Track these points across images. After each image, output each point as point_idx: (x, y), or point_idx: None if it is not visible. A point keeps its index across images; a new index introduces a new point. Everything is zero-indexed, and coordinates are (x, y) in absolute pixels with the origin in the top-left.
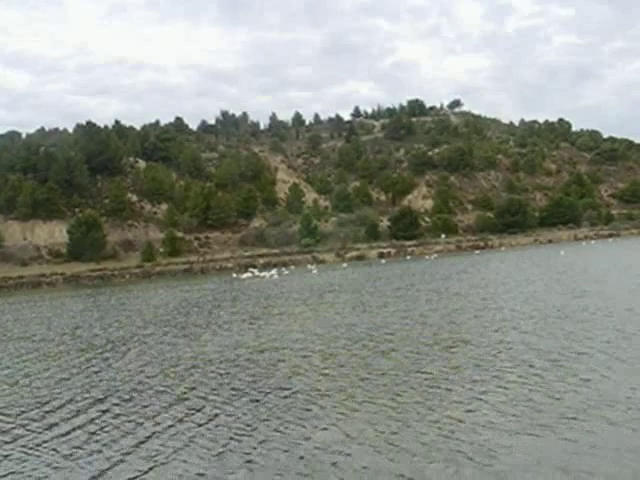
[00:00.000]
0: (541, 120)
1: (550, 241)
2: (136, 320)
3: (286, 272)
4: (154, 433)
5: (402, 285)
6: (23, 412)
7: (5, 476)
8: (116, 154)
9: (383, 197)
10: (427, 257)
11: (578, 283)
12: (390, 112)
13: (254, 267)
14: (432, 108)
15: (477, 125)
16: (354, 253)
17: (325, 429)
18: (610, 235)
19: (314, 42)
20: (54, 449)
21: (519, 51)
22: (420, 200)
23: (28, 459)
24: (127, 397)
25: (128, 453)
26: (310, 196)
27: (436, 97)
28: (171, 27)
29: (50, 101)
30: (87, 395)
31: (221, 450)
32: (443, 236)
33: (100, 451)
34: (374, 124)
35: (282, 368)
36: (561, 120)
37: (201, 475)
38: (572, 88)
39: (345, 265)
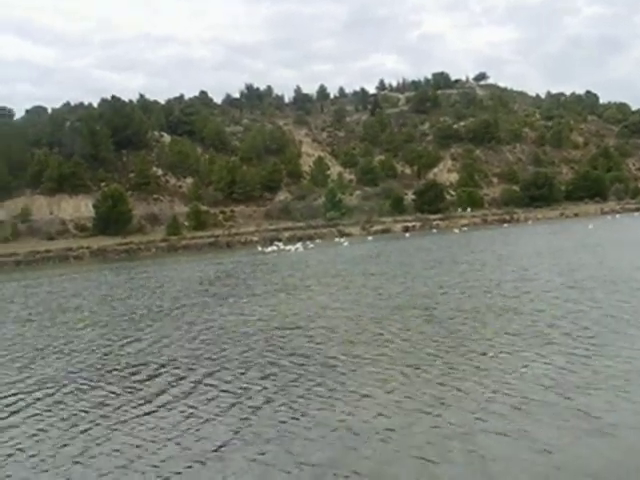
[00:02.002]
0: (568, 92)
1: (576, 215)
2: (171, 292)
3: (311, 245)
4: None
5: (435, 257)
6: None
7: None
8: (141, 128)
9: (408, 170)
10: (455, 230)
11: (613, 255)
12: (415, 85)
13: (279, 240)
14: (457, 81)
15: (503, 98)
16: (379, 227)
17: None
18: (637, 209)
19: (338, 14)
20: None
21: (545, 23)
22: (445, 173)
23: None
24: (186, 364)
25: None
26: (335, 169)
27: (461, 70)
28: (195, 1)
29: (75, 76)
30: (150, 361)
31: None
32: (469, 210)
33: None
34: (399, 97)
35: (337, 335)
36: (588, 92)
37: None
38: (600, 60)
39: (370, 238)
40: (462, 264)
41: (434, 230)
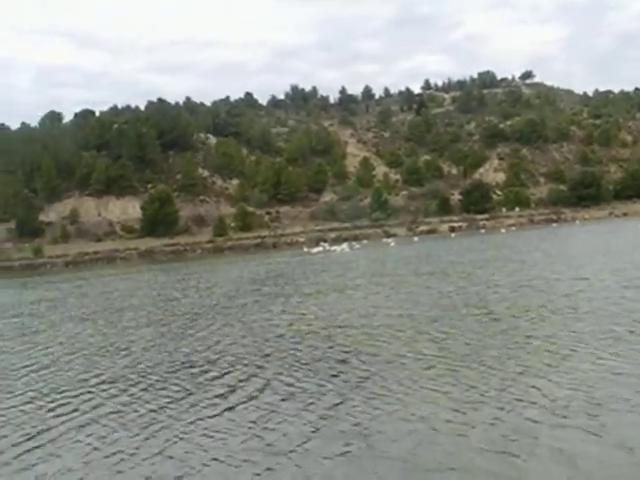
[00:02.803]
0: (616, 90)
1: (625, 214)
2: (223, 291)
3: (357, 246)
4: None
5: (484, 257)
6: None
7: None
8: (187, 130)
9: (454, 170)
10: (502, 230)
11: None
12: (461, 84)
13: (325, 241)
14: (503, 80)
15: (549, 96)
16: (425, 227)
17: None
18: None
19: (383, 14)
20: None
21: (593, 19)
22: (492, 173)
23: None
24: (253, 362)
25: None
26: (380, 170)
27: (507, 69)
28: (239, 3)
29: (122, 80)
30: (216, 359)
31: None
32: (517, 209)
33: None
34: (444, 97)
35: (397, 333)
36: (637, 89)
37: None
38: None
39: (416, 239)
40: (512, 263)
41: (482, 230)
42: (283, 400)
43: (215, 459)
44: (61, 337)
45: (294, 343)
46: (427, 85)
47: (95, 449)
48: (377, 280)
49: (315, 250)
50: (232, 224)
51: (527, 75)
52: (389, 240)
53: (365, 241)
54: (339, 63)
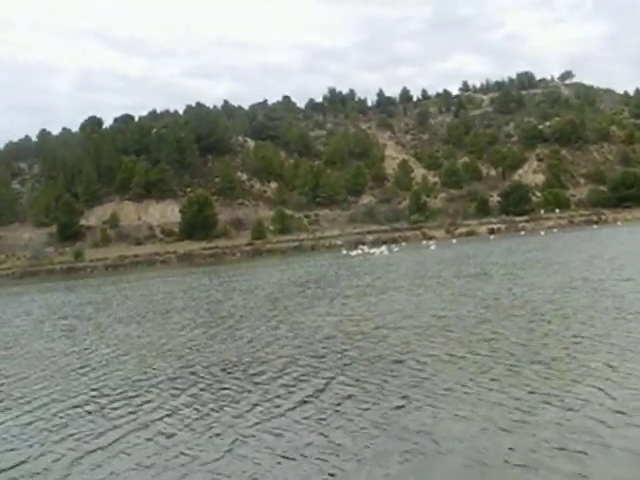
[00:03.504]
0: None
1: None
2: (265, 293)
3: (396, 249)
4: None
5: (526, 258)
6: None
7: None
8: (225, 134)
9: (493, 172)
10: (542, 232)
11: None
12: (499, 85)
13: (363, 244)
14: (542, 80)
15: (589, 96)
16: (464, 229)
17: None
18: None
19: (421, 15)
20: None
21: (633, 16)
22: (531, 174)
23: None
24: (305, 361)
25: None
26: (419, 172)
27: (546, 69)
28: (275, 5)
29: (160, 84)
30: (268, 359)
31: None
32: (557, 211)
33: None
34: (483, 98)
35: (448, 334)
36: None
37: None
38: None
39: (454, 241)
40: (555, 265)
41: (521, 232)
42: (344, 399)
43: (285, 457)
44: (112, 339)
45: (345, 344)
46: (465, 87)
47: (161, 448)
48: (420, 282)
49: (354, 253)
50: (270, 227)
51: (566, 75)
52: (430, 242)
53: (404, 243)
54: (377, 65)
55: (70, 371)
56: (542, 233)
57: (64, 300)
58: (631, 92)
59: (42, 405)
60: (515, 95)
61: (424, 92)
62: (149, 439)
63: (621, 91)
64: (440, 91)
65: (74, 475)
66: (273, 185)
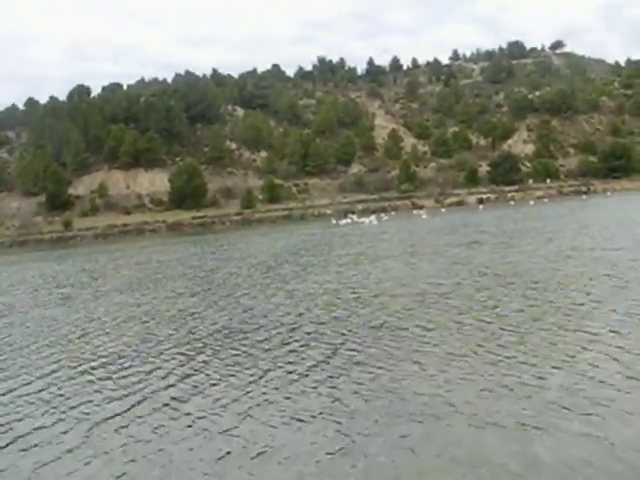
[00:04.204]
0: None
1: None
2: (257, 262)
3: (385, 218)
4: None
5: (518, 228)
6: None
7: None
8: (214, 103)
9: (483, 142)
10: (531, 202)
11: None
12: (489, 55)
13: (353, 213)
14: (533, 50)
15: (580, 66)
16: (453, 199)
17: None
18: None
19: None
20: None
21: None
22: (520, 144)
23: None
24: (310, 328)
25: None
26: (408, 141)
27: (537, 39)
28: None
29: (149, 53)
30: (273, 326)
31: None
32: (548, 181)
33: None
34: (473, 67)
35: (447, 302)
36: None
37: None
38: None
39: (443, 210)
40: (546, 234)
41: (511, 202)
42: (353, 365)
43: (301, 421)
44: (111, 306)
45: (347, 311)
46: (455, 56)
47: (178, 414)
48: (413, 250)
49: (343, 222)
50: (260, 196)
51: (557, 45)
52: (421, 212)
53: (393, 213)
54: (367, 34)
55: (74, 339)
56: (531, 203)
57: (57, 269)
58: (622, 62)
59: (51, 372)
60: (505, 65)
61: (414, 61)
62: (165, 404)
63: (612, 61)
64: (430, 60)
65: (94, 440)
66: (262, 154)
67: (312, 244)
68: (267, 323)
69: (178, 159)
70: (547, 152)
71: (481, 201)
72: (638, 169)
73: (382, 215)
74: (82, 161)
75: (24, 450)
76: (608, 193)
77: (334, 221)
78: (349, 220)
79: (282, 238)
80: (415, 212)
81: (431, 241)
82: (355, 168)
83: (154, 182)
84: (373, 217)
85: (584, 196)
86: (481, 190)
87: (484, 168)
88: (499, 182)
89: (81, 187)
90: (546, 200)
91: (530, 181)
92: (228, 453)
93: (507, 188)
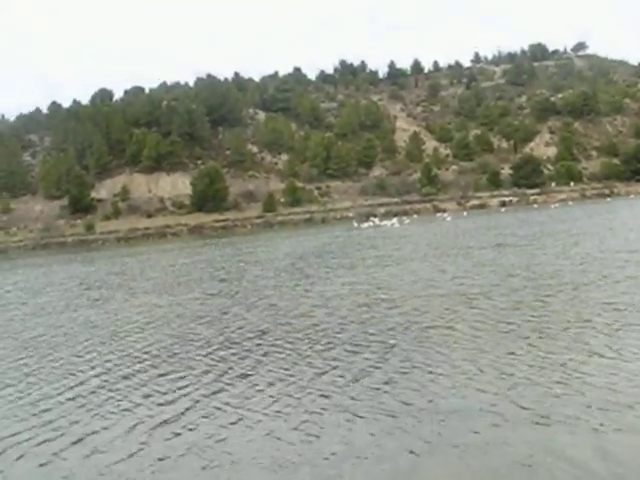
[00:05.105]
0: None
1: None
2: (284, 264)
3: (407, 221)
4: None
5: (543, 230)
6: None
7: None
8: (236, 106)
9: (505, 144)
10: (552, 206)
11: None
12: (511, 57)
13: (374, 216)
14: (555, 52)
15: (602, 68)
16: (475, 202)
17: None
18: None
19: None
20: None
21: None
22: (543, 147)
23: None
24: (336, 327)
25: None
26: (430, 144)
27: (559, 40)
28: None
29: (170, 55)
30: (299, 327)
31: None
32: (572, 184)
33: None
34: (495, 70)
35: (484, 303)
36: None
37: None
38: None
39: (465, 214)
40: (572, 237)
41: (534, 205)
42: (411, 366)
43: (353, 415)
44: (144, 307)
45: (380, 312)
46: (477, 58)
47: (238, 415)
48: (439, 252)
49: (365, 225)
50: (281, 199)
51: (579, 47)
52: (444, 214)
53: (415, 216)
54: (388, 36)
55: (112, 340)
56: (553, 206)
57: (84, 271)
58: None
59: (95, 375)
60: (527, 67)
61: (435, 64)
62: (218, 407)
63: (635, 63)
64: (452, 63)
65: (153, 445)
66: (284, 157)
67: (336, 246)
68: (301, 324)
69: (200, 162)
70: (569, 155)
71: (503, 204)
72: None
73: (404, 218)
74: (104, 165)
75: (87, 456)
76: (631, 196)
77: (356, 224)
78: (371, 223)
79: (305, 241)
80: (438, 215)
81: (456, 243)
82: (377, 171)
83: (176, 185)
84: (395, 220)
85: (608, 199)
86: (503, 193)
87: (506, 171)
88: (521, 185)
89: (103, 190)
90: (571, 203)
91: (552, 184)
92: (299, 455)
93: (529, 191)
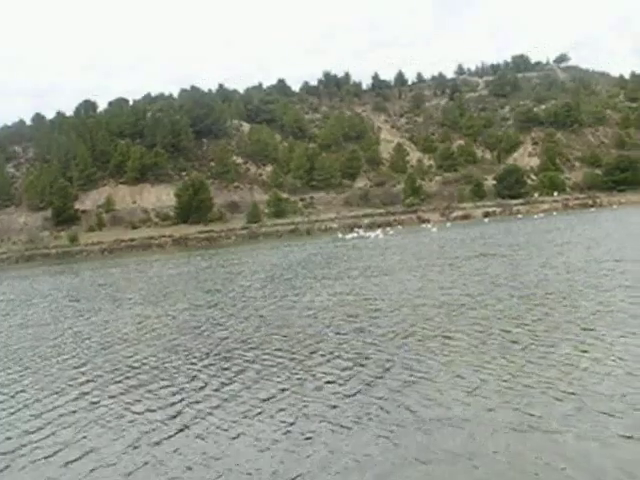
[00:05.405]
0: None
1: None
2: (269, 275)
3: (391, 232)
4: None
5: (528, 240)
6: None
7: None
8: (220, 117)
9: (488, 155)
10: (535, 216)
11: None
12: (494, 69)
13: (359, 227)
14: (538, 63)
15: (585, 79)
16: (459, 212)
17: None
18: None
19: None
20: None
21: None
22: (526, 158)
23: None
24: (336, 337)
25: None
26: (414, 155)
27: (542, 52)
28: None
29: (154, 67)
30: (296, 337)
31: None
32: (555, 194)
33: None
34: (478, 81)
35: (472, 313)
36: None
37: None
38: None
39: (449, 225)
40: (558, 246)
41: (518, 215)
42: (385, 371)
43: (345, 427)
44: (132, 318)
45: (369, 322)
46: (460, 70)
47: (227, 426)
48: (425, 263)
49: (350, 236)
50: (266, 210)
51: (562, 59)
52: (429, 225)
53: (399, 227)
54: (371, 48)
55: (102, 351)
56: (535, 217)
57: (70, 283)
58: (627, 75)
59: (86, 391)
60: (510, 78)
61: (419, 75)
62: (229, 413)
63: (617, 74)
64: (435, 74)
65: (152, 462)
66: (268, 168)
67: (322, 257)
68: (292, 334)
69: (184, 174)
70: (552, 165)
71: (487, 215)
72: None
73: (388, 229)
74: (88, 176)
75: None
76: (614, 206)
77: (340, 235)
78: (355, 234)
79: (291, 252)
80: (423, 226)
81: (442, 254)
82: (361, 182)
83: (160, 197)
84: (379, 231)
85: (592, 209)
86: (487, 204)
87: (490, 182)
88: (505, 195)
89: (87, 202)
90: (555, 213)
91: (536, 194)
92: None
93: (513, 201)
